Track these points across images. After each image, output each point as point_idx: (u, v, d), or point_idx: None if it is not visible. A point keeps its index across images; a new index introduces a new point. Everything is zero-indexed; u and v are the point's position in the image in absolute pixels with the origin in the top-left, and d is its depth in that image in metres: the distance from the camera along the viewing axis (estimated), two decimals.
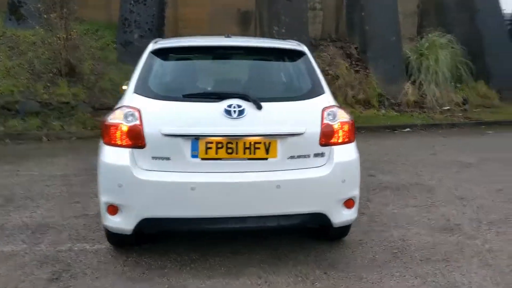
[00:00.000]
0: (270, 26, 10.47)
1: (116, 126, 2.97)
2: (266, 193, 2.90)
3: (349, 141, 3.10)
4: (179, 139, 2.90)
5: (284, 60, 3.32)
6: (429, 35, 10.66)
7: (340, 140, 3.05)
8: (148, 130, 2.90)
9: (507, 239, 3.56)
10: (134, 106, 2.98)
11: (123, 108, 3.01)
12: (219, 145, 2.89)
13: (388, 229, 3.74)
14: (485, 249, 3.37)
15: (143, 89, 3.09)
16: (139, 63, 3.30)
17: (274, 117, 2.98)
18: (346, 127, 3.08)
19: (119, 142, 2.96)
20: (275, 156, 2.92)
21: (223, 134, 2.89)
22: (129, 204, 2.91)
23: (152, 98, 3.03)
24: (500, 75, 10.94)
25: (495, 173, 5.72)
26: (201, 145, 2.89)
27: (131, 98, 3.08)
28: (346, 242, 3.46)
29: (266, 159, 2.92)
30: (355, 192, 3.10)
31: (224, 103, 2.95)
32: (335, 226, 3.07)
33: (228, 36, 3.56)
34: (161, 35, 11.37)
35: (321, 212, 2.98)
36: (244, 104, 2.95)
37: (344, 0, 11.87)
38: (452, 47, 10.60)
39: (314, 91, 3.20)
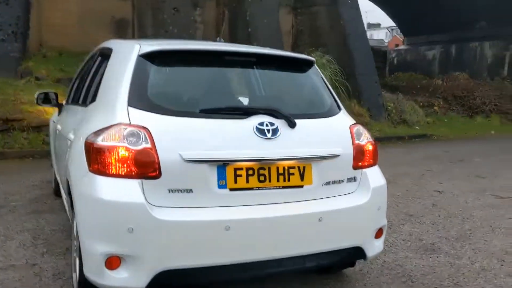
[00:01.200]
0: (156, 36, 9.80)
1: (114, 150, 2.24)
2: (308, 228, 2.44)
3: (375, 163, 2.83)
4: (204, 166, 2.30)
5: (297, 71, 2.91)
6: (312, 55, 11.12)
7: (368, 163, 2.76)
8: (164, 155, 2.25)
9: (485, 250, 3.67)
10: (138, 124, 2.29)
11: (120, 126, 2.29)
12: (250, 172, 2.37)
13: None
14: (479, 268, 3.40)
15: (142, 102, 2.40)
16: (120, 68, 2.60)
17: (307, 136, 2.55)
18: (372, 148, 2.79)
19: (121, 172, 2.24)
20: (310, 183, 2.49)
21: (255, 159, 2.37)
22: (142, 253, 2.19)
23: (159, 113, 2.37)
24: (368, 94, 11.96)
25: None
26: (229, 173, 2.34)
27: (124, 112, 2.36)
28: (348, 274, 3.18)
29: (301, 186, 2.48)
30: (385, 220, 2.82)
31: (253, 120, 2.44)
32: (367, 259, 2.75)
33: (220, 41, 3.04)
34: (25, 39, 9.85)
35: (358, 245, 2.61)
36: (276, 122, 2.48)
37: (224, 15, 11.76)
38: (330, 67, 11.22)
39: (334, 107, 2.85)
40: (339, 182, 2.60)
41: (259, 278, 2.83)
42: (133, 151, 2.24)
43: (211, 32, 11.90)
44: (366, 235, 2.65)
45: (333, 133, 2.69)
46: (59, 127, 3.81)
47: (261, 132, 2.41)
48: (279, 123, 2.48)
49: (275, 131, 2.44)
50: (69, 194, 2.68)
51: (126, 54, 2.66)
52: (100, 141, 2.29)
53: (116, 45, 3.00)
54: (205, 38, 11.86)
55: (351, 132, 2.72)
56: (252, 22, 10.59)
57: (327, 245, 2.51)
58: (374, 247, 2.71)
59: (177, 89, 2.65)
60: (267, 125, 2.44)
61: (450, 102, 16.01)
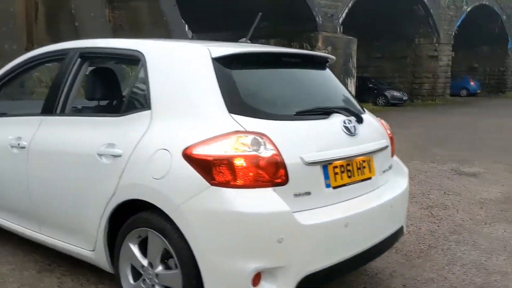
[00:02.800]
0: None
1: (244, 160, 2.18)
2: (386, 213, 2.77)
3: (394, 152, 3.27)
4: (317, 167, 2.42)
5: (322, 69, 3.12)
6: None
7: (393, 151, 3.20)
8: (289, 160, 2.28)
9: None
10: (255, 131, 2.26)
11: (239, 134, 2.23)
12: (342, 169, 2.58)
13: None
14: None
15: (240, 108, 2.36)
16: (192, 73, 2.48)
17: (368, 131, 2.86)
18: (392, 138, 3.23)
19: (254, 181, 2.19)
20: (374, 174, 2.81)
21: (347, 156, 2.59)
22: (289, 263, 2.22)
23: (264, 118, 2.36)
24: None
25: None
26: (331, 172, 2.50)
27: (231, 120, 2.29)
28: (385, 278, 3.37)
29: (370, 178, 2.78)
30: None
31: (335, 119, 2.64)
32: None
33: (246, 41, 3.08)
34: None
35: (402, 224, 3.04)
36: (352, 119, 2.72)
37: (38, 7, 10.46)
38: None
39: (357, 102, 3.18)
40: (387, 170, 2.98)
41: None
42: (263, 158, 2.21)
43: (22, 26, 10.45)
44: (404, 214, 3.10)
45: (376, 127, 3.04)
46: (49, 144, 3.03)
47: (347, 130, 2.63)
48: (353, 120, 2.73)
49: (355, 128, 2.68)
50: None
51: (193, 58, 2.52)
52: (223, 152, 2.18)
53: (153, 48, 2.73)
54: (16, 31, 10.37)
55: (382, 125, 3.13)
56: (78, 16, 9.76)
57: (394, 227, 2.88)
58: (405, 224, 3.18)
59: (261, 93, 2.63)
60: (350, 122, 2.67)
61: None
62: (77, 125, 2.91)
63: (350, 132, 2.64)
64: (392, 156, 3.13)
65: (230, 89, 2.40)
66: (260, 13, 3.38)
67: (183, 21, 13.54)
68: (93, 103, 3.37)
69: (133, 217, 2.51)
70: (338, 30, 20.89)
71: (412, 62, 27.31)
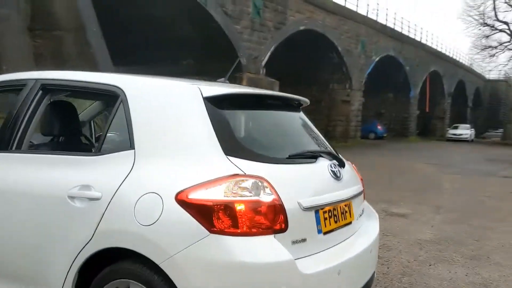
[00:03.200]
0: None
1: (245, 205, 2.09)
2: (368, 260, 2.77)
3: None
4: (312, 213, 2.38)
5: (299, 111, 3.10)
6: None
7: (364, 195, 3.24)
8: (288, 205, 2.22)
9: None
10: (254, 174, 2.19)
11: (239, 178, 2.14)
12: (330, 214, 2.56)
13: None
14: None
15: (235, 150, 2.28)
16: (181, 112, 2.38)
17: (347, 176, 2.87)
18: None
19: (256, 228, 2.10)
20: (353, 219, 2.82)
21: (335, 201, 2.58)
22: None
23: (260, 161, 2.30)
24: None
25: None
26: (321, 217, 2.48)
27: (228, 162, 2.20)
28: None
29: (351, 222, 2.78)
30: None
31: (323, 163, 2.63)
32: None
33: (225, 81, 2.99)
34: None
35: (374, 269, 3.04)
36: (336, 163, 2.73)
37: None
38: None
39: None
40: (361, 214, 3.01)
41: None
42: (264, 204, 2.13)
43: None
44: (377, 258, 3.12)
45: (352, 171, 3.07)
46: None
47: (334, 174, 2.63)
48: (337, 164, 2.73)
49: (340, 173, 2.69)
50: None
51: (183, 97, 2.41)
52: (223, 197, 2.07)
53: (134, 84, 2.56)
54: None
55: (354, 169, 3.17)
56: (0, 43, 9.08)
57: (371, 272, 2.87)
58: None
59: (252, 134, 2.55)
60: (335, 166, 2.67)
61: None
62: (40, 164, 2.61)
63: (336, 177, 2.64)
64: (363, 200, 3.18)
65: (224, 130, 2.30)
66: (239, 58, 3.34)
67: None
68: (59, 140, 3.07)
69: (110, 267, 2.26)
70: (261, 72, 21.48)
71: (327, 106, 28.70)
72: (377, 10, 32.18)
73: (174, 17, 18.67)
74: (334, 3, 26.83)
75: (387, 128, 36.36)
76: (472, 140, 39.84)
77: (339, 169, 2.72)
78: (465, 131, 40.26)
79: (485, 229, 6.53)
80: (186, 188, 2.11)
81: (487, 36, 43.47)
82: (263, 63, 21.55)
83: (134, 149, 2.34)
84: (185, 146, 2.28)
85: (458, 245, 5.56)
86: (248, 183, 2.13)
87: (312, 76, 27.63)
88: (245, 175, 2.15)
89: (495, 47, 42.68)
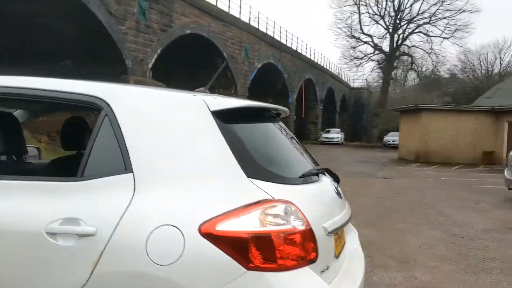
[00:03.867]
0: None
1: (282, 236, 1.83)
2: (363, 283, 2.62)
3: None
4: (332, 237, 2.19)
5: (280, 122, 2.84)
6: None
7: None
8: (316, 230, 2.00)
9: None
10: (283, 199, 1.93)
11: (269, 204, 1.87)
12: (338, 235, 2.39)
13: None
14: None
15: (257, 171, 1.99)
16: (198, 128, 2.01)
17: (342, 194, 2.71)
18: None
19: (294, 261, 1.85)
20: (345, 240, 2.66)
21: (344, 222, 2.42)
22: None
23: (281, 183, 2.03)
24: None
25: None
26: (335, 240, 2.29)
27: (253, 186, 1.91)
28: None
29: (345, 243, 2.62)
30: None
31: (326, 181, 2.45)
32: None
33: (205, 91, 2.63)
34: None
35: None
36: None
37: None
38: None
39: None
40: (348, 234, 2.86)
41: None
42: (299, 232, 1.89)
43: None
44: None
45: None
46: None
47: (338, 193, 2.46)
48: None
49: (340, 191, 2.53)
50: None
51: (188, 110, 2.05)
52: (258, 227, 1.79)
53: (122, 95, 2.12)
54: None
55: None
56: None
57: None
58: None
59: (264, 152, 2.23)
60: (335, 184, 2.50)
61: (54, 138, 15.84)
62: (2, 192, 2.03)
63: (340, 196, 2.48)
64: None
65: (239, 149, 1.98)
66: (225, 62, 2.99)
67: None
68: (27, 162, 2.45)
69: None
70: (148, 75, 20.66)
71: None
72: (258, 18, 33.10)
73: (53, 15, 17.07)
74: (219, 8, 26.96)
75: None
76: (342, 143, 42.97)
77: (338, 186, 2.56)
78: (336, 134, 43.30)
79: (395, 231, 6.91)
80: (212, 218, 1.77)
81: (354, 47, 47.41)
82: (150, 65, 20.76)
83: (132, 172, 1.92)
84: (199, 169, 1.92)
85: (382, 249, 5.77)
86: (279, 209, 1.86)
87: (199, 80, 27.38)
88: (274, 200, 1.87)
89: (361, 58, 46.64)
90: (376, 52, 47.48)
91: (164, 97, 2.18)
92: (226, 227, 1.76)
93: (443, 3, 43.39)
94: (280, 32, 37.53)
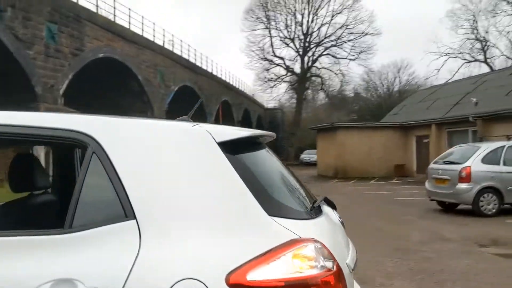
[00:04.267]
0: None
1: (319, 279, 1.65)
2: None
3: None
4: (352, 274, 2.04)
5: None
6: None
7: None
8: (344, 269, 1.84)
9: None
10: (310, 237, 1.75)
11: (302, 245, 1.68)
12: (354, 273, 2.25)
13: None
14: None
15: (276, 207, 1.79)
16: (207, 163, 1.78)
17: None
18: None
19: None
20: None
21: (357, 258, 2.27)
22: None
23: (298, 218, 1.83)
24: None
25: None
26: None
27: (277, 225, 1.72)
28: None
29: None
30: None
31: (329, 211, 2.30)
32: None
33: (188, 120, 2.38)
34: None
35: None
36: None
37: None
38: None
39: None
40: None
41: None
42: (332, 273, 1.71)
43: None
44: None
45: None
46: None
47: (342, 224, 2.33)
48: None
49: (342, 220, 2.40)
50: None
51: (190, 143, 1.82)
52: (294, 272, 1.61)
53: (107, 129, 1.82)
54: None
55: None
56: None
57: None
58: None
59: (273, 184, 2.01)
60: (340, 217, 2.37)
61: None
62: None
63: (344, 226, 2.35)
64: None
65: (253, 184, 1.77)
66: (201, 99, 2.73)
67: None
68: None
69: None
70: (59, 102, 19.45)
71: None
72: (173, 41, 32.79)
73: None
74: (132, 31, 26.31)
75: None
76: None
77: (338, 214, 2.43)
78: (313, 155, 43.17)
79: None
80: (240, 267, 1.54)
81: (267, 70, 48.59)
82: (61, 91, 19.57)
83: (135, 218, 1.64)
84: (215, 209, 1.68)
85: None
86: (310, 249, 1.67)
87: (115, 105, 26.29)
88: (302, 240, 1.68)
89: (275, 80, 47.88)
90: (289, 73, 49.06)
91: (162, 128, 1.91)
92: (258, 275, 1.54)
93: (348, 27, 46.10)
94: (195, 55, 37.51)
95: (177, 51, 33.23)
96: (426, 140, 23.29)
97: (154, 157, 1.76)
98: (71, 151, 3.04)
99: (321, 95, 55.06)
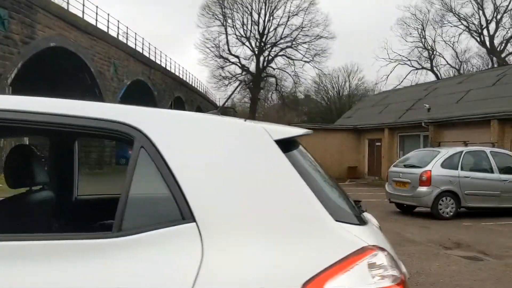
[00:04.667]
0: None
1: None
2: None
3: None
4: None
5: None
6: None
7: None
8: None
9: None
10: (375, 244, 1.66)
11: (374, 252, 1.58)
12: None
13: None
14: None
15: (339, 211, 1.69)
16: (268, 162, 1.64)
17: None
18: None
19: None
20: None
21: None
22: None
23: (357, 224, 1.72)
24: None
25: None
26: None
27: (344, 231, 1.61)
28: None
29: None
30: None
31: (369, 217, 2.20)
32: None
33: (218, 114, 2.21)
34: None
35: None
36: None
37: None
38: None
39: None
40: None
41: None
42: (402, 283, 1.62)
43: None
44: None
45: None
46: None
47: (380, 229, 2.24)
48: None
49: None
50: None
51: (249, 141, 1.68)
52: (372, 283, 1.51)
53: (157, 121, 1.64)
54: None
55: None
56: None
57: None
58: None
59: (323, 186, 1.86)
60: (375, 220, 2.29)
61: None
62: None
63: (381, 230, 2.26)
64: None
65: (313, 185, 1.66)
66: (241, 82, 2.55)
67: None
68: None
69: None
70: (7, 91, 18.35)
71: None
72: (127, 34, 31.89)
73: None
74: (86, 21, 25.32)
75: None
76: None
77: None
78: None
79: None
80: (316, 276, 1.42)
81: (222, 67, 48.30)
82: (9, 81, 18.50)
83: (194, 221, 1.47)
84: (278, 212, 1.54)
85: None
86: (380, 257, 1.57)
87: (64, 97, 25.20)
88: (373, 248, 1.58)
89: (230, 78, 47.68)
90: (244, 72, 48.97)
91: (215, 123, 1.73)
92: (335, 285, 1.42)
93: (303, 29, 46.61)
94: (149, 49, 36.65)
95: (131, 44, 32.36)
96: (378, 144, 23.95)
97: (209, 153, 1.60)
98: (71, 143, 2.80)
99: (274, 96, 55.45)
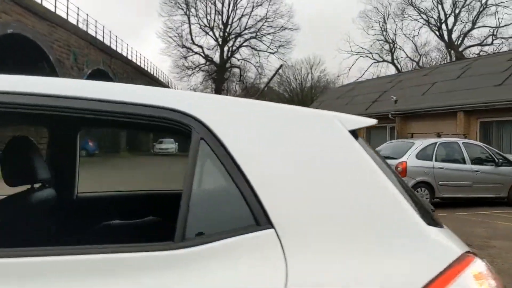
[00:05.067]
0: None
1: None
2: None
3: None
4: None
5: None
6: None
7: None
8: None
9: None
10: (471, 250, 1.47)
11: (473, 260, 1.38)
12: None
13: None
14: None
15: (426, 214, 1.49)
16: (348, 160, 1.40)
17: None
18: None
19: None
20: None
21: None
22: None
23: (439, 226, 1.53)
24: None
25: None
26: None
27: (438, 236, 1.40)
28: None
29: None
30: None
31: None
32: None
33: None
34: None
35: None
36: None
37: None
38: None
39: None
40: None
41: None
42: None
43: None
44: None
45: None
46: None
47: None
48: None
49: None
50: None
51: (327, 133, 1.43)
52: None
53: (218, 110, 1.36)
54: None
55: None
56: None
57: None
58: None
59: (397, 184, 1.64)
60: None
61: None
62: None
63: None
64: None
65: (396, 185, 1.44)
66: (282, 64, 2.28)
67: None
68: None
69: None
70: None
71: None
72: (87, 21, 30.71)
73: None
74: (45, 7, 24.15)
75: (99, 145, 35.00)
76: (176, 153, 42.53)
77: None
78: (170, 145, 42.65)
79: None
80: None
81: (185, 57, 47.50)
82: None
83: (272, 227, 1.22)
84: (363, 216, 1.31)
85: None
86: (480, 266, 1.38)
87: None
88: (472, 255, 1.38)
89: (193, 68, 46.98)
90: (208, 63, 48.34)
91: (283, 112, 1.46)
92: None
93: (267, 20, 46.41)
94: (110, 37, 35.49)
95: (91, 32, 31.20)
96: None
97: (281, 147, 1.35)
98: (74, 134, 2.47)
99: (238, 87, 55.10)
